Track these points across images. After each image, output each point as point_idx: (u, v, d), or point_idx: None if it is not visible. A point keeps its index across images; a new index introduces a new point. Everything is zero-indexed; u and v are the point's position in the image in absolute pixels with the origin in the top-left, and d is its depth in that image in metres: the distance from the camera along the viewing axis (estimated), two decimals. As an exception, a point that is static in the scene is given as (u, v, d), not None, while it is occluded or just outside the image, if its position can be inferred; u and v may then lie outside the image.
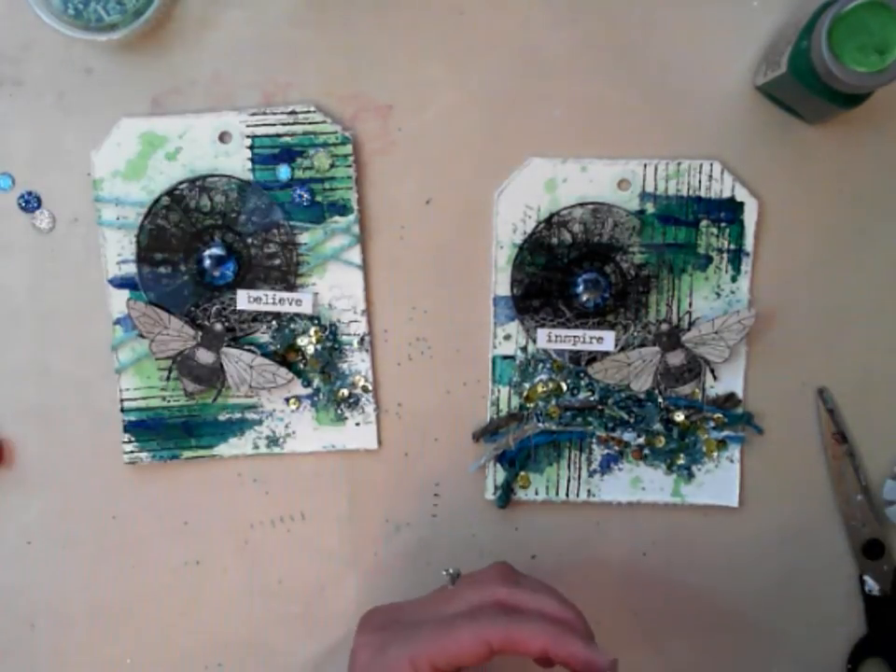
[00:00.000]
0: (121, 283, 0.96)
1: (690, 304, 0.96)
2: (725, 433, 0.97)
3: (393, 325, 0.98)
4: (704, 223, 0.95)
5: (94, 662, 1.01)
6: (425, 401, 0.99)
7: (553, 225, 0.95)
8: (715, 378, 0.97)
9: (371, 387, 0.98)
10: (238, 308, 0.96)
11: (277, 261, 0.96)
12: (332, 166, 0.95)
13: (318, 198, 0.96)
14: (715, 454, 0.98)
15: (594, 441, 0.98)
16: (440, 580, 0.95)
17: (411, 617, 0.84)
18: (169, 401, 0.98)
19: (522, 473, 0.98)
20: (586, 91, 0.96)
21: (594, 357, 0.96)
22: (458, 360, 0.98)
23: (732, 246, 0.95)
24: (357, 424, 0.98)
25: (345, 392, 0.98)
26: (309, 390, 0.98)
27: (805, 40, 0.84)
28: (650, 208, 0.95)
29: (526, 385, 0.97)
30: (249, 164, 0.95)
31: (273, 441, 0.98)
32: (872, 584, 0.99)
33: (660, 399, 0.97)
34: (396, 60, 0.96)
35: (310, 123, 0.95)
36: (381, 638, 0.82)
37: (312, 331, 0.97)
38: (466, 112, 0.96)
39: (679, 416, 0.97)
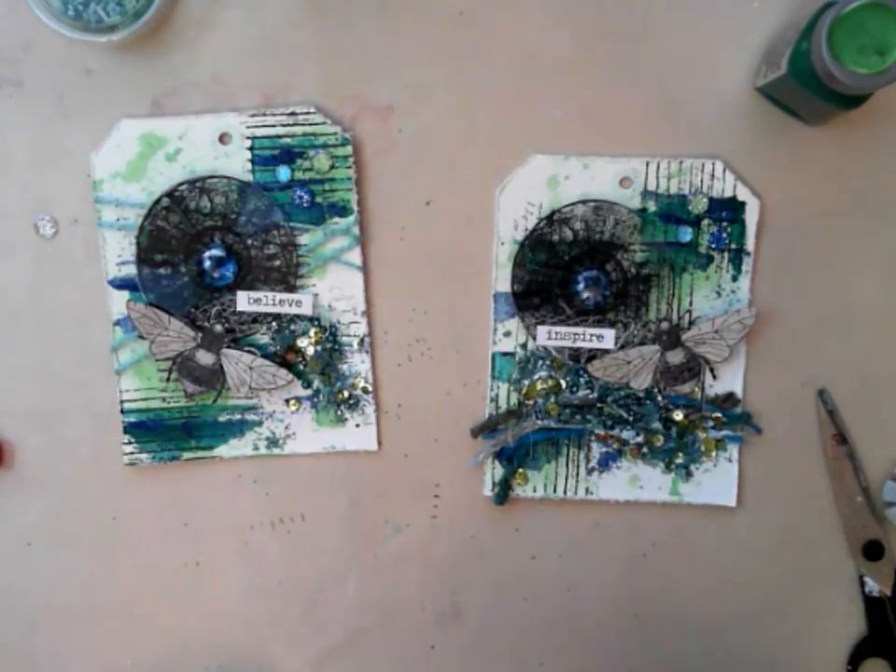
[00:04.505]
0: (121, 284, 0.96)
1: (690, 303, 0.96)
2: (724, 433, 0.97)
3: (393, 326, 0.98)
4: (705, 222, 0.95)
5: (94, 662, 1.01)
6: (425, 402, 0.99)
7: (555, 222, 0.95)
8: (714, 377, 0.97)
9: (371, 388, 0.98)
10: (238, 309, 0.96)
11: (277, 263, 0.96)
12: (332, 167, 0.95)
13: (318, 199, 0.96)
14: (713, 453, 0.98)
15: (592, 438, 0.98)
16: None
17: None
18: (169, 403, 0.98)
19: (520, 470, 0.98)
20: (586, 92, 0.96)
21: (593, 355, 0.96)
22: (458, 361, 0.98)
23: (733, 246, 0.95)
24: (357, 425, 0.99)
25: (345, 393, 0.98)
26: (309, 391, 0.98)
27: (806, 41, 0.84)
28: (651, 206, 0.95)
29: (526, 382, 0.97)
30: (249, 165, 0.96)
31: (273, 442, 0.98)
32: (872, 585, 0.99)
33: (659, 398, 0.97)
34: (396, 60, 0.96)
35: (310, 124, 0.95)
36: None
37: (312, 333, 0.97)
38: (466, 112, 0.96)
39: (678, 415, 0.97)
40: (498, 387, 0.98)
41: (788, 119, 0.95)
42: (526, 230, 0.96)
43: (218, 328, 0.96)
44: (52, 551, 1.00)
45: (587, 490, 0.98)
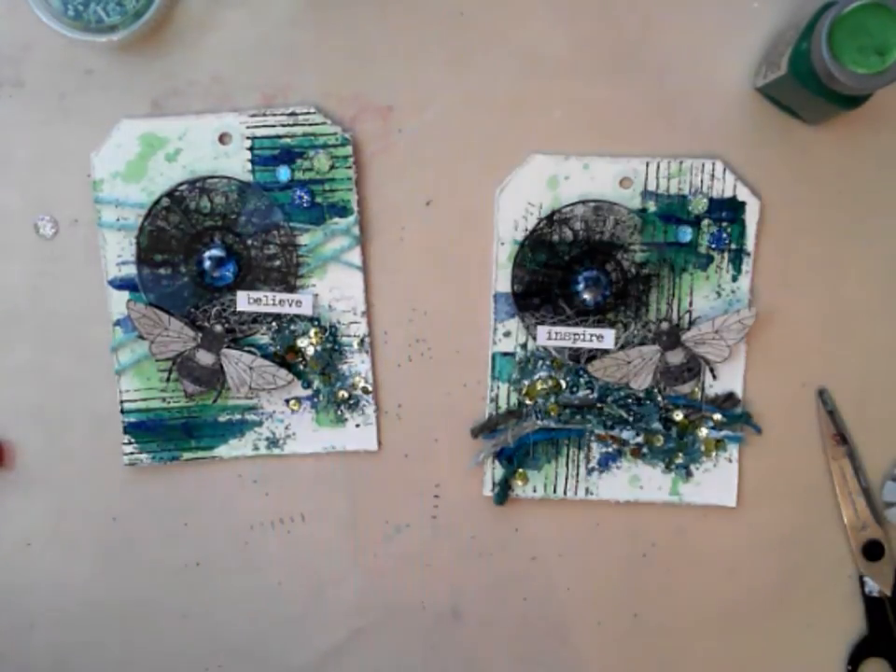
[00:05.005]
0: (121, 284, 0.96)
1: (690, 303, 0.96)
2: (724, 433, 0.97)
3: (393, 326, 0.98)
4: (705, 222, 0.95)
5: (94, 662, 1.01)
6: (425, 403, 0.99)
7: (555, 222, 0.95)
8: (714, 377, 0.97)
9: (371, 388, 0.98)
10: (238, 309, 0.96)
11: (277, 263, 0.96)
12: (332, 167, 0.95)
13: (318, 199, 0.96)
14: (713, 453, 0.98)
15: (592, 438, 0.98)
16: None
17: None
18: (169, 403, 0.98)
19: (520, 470, 0.98)
20: (586, 92, 0.96)
21: (593, 355, 0.96)
22: (458, 361, 0.98)
23: (733, 246, 0.95)
24: (357, 425, 0.99)
25: (345, 393, 0.98)
26: (309, 391, 0.98)
27: (805, 42, 0.84)
28: (651, 207, 0.95)
29: (526, 383, 0.97)
30: (249, 166, 0.96)
31: (273, 442, 0.98)
32: (872, 585, 0.99)
33: (659, 398, 0.97)
34: (396, 61, 0.96)
35: (310, 125, 0.95)
36: None
37: (312, 333, 0.97)
38: (466, 112, 0.96)
39: (678, 415, 0.97)
40: (498, 387, 0.98)
41: (788, 119, 0.95)
42: (526, 230, 0.96)
43: (218, 328, 0.96)
44: (52, 551, 1.00)
45: (587, 490, 0.98)
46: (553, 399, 0.97)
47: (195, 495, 1.00)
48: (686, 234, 0.95)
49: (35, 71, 0.96)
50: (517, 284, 0.96)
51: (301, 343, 0.97)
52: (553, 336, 0.96)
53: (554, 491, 0.98)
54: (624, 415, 0.97)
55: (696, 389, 0.97)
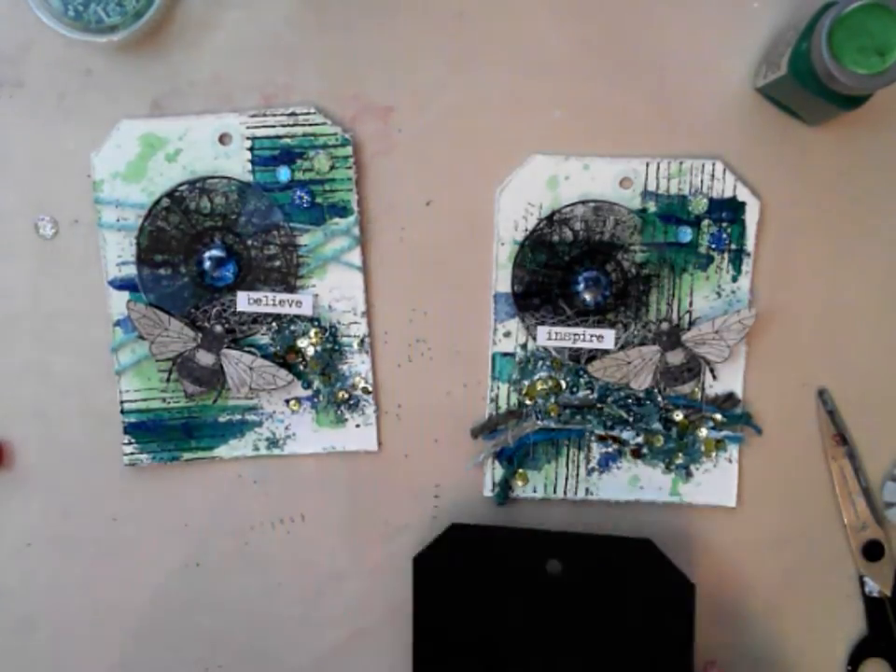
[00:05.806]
0: (121, 284, 0.96)
1: (690, 304, 0.96)
2: (724, 433, 0.97)
3: (393, 326, 0.98)
4: (705, 222, 0.95)
5: (94, 662, 1.01)
6: (425, 403, 0.99)
7: (555, 223, 0.95)
8: (714, 378, 0.97)
9: (371, 389, 0.98)
10: (238, 310, 0.96)
11: (277, 263, 0.96)
12: (332, 168, 0.95)
13: (318, 199, 0.96)
14: (713, 453, 0.98)
15: (592, 439, 0.98)
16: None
17: None
18: (169, 403, 0.98)
19: (520, 471, 0.98)
20: (586, 92, 0.96)
21: (593, 356, 0.96)
22: (458, 362, 0.98)
23: (733, 246, 0.95)
24: (358, 425, 0.99)
25: (345, 394, 0.98)
26: (309, 392, 0.98)
27: (806, 42, 0.84)
28: (651, 207, 0.95)
29: (526, 383, 0.97)
30: (249, 166, 0.95)
31: (273, 442, 0.98)
32: (872, 586, 0.99)
33: (659, 398, 0.97)
34: (396, 61, 0.96)
35: (310, 125, 0.95)
36: None
37: (312, 333, 0.97)
38: (466, 113, 0.96)
39: (678, 416, 0.97)
40: (498, 388, 0.98)
41: (788, 119, 0.95)
42: (526, 230, 0.96)
43: (218, 328, 0.96)
44: (52, 551, 1.00)
45: (587, 490, 0.98)
46: (552, 400, 0.97)
47: (195, 495, 1.00)
48: (686, 234, 0.95)
49: (35, 71, 0.96)
50: (517, 284, 0.96)
51: (302, 343, 0.97)
52: (553, 336, 0.96)
53: (555, 491, 0.98)
54: (624, 416, 0.97)
55: (696, 389, 0.97)
